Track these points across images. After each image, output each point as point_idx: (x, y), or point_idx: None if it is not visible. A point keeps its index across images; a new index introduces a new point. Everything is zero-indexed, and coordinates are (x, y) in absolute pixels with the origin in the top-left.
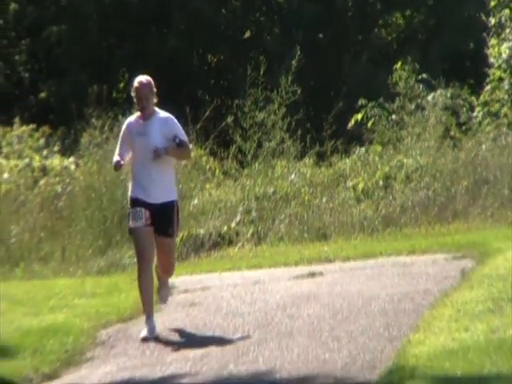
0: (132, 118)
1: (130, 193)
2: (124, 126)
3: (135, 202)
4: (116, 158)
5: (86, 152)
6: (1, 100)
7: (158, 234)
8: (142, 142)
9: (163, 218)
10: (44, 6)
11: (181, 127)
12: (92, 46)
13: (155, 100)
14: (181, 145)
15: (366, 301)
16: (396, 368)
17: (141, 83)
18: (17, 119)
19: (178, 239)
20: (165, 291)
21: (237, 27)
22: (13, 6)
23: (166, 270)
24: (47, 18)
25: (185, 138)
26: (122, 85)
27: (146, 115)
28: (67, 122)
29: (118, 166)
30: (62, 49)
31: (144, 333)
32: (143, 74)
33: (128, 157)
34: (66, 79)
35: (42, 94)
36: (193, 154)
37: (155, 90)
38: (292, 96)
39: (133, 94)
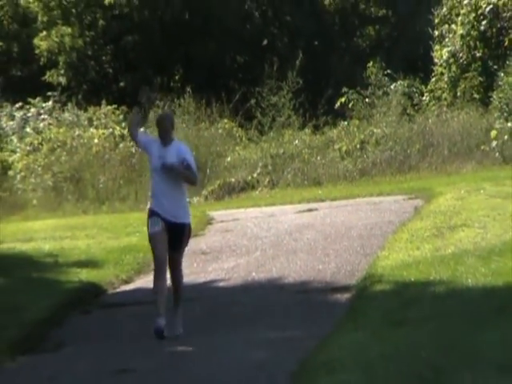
0: (154, 140)
1: (148, 205)
2: (147, 136)
3: (153, 213)
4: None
5: (152, 124)
6: (92, 88)
7: (171, 245)
8: (159, 163)
9: (176, 235)
10: (123, 22)
11: (192, 156)
12: (156, 50)
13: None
14: (188, 168)
15: (347, 228)
16: (368, 275)
17: (162, 117)
18: (103, 101)
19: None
20: (178, 320)
21: (257, 37)
22: (101, 22)
23: (177, 287)
24: (125, 30)
25: (193, 165)
26: (177, 77)
27: (166, 143)
28: (139, 103)
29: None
30: (135, 52)
31: (159, 323)
32: (193, 70)
33: (138, 135)
34: (137, 73)
35: (121, 84)
36: (198, 182)
37: (174, 123)
38: (296, 85)
39: (157, 125)
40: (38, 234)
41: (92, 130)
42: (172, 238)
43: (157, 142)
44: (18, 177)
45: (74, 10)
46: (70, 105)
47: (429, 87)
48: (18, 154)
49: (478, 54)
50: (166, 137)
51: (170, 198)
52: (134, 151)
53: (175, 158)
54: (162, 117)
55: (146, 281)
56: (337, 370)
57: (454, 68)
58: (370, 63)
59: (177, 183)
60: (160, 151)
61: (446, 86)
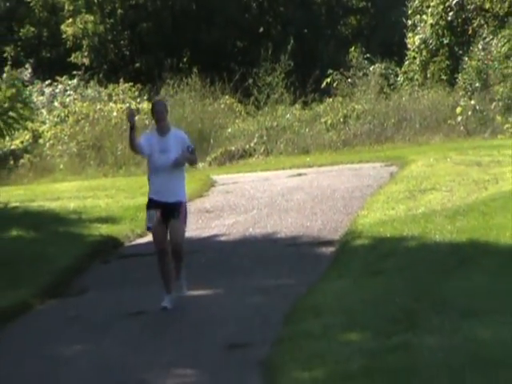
0: (151, 134)
1: (149, 194)
2: (144, 136)
3: (151, 202)
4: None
5: (164, 100)
6: (112, 68)
7: (169, 218)
8: (163, 158)
9: (173, 209)
10: (138, 11)
11: (190, 140)
12: (167, 35)
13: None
14: (192, 152)
15: (332, 191)
16: (350, 231)
17: (156, 102)
18: (121, 80)
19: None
20: (182, 283)
21: (254, 25)
22: (119, 10)
23: (178, 260)
24: (140, 18)
25: (193, 147)
26: (185, 59)
27: (164, 129)
28: (152, 81)
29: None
30: (149, 37)
31: (166, 303)
32: (199, 53)
33: (137, 140)
34: (151, 55)
35: (137, 64)
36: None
37: (168, 108)
38: (288, 67)
39: (151, 111)
40: (64, 194)
41: (111, 104)
42: (169, 213)
43: (154, 136)
44: (47, 144)
45: (95, 0)
46: (92, 82)
47: (403, 69)
48: (47, 125)
49: (445, 41)
50: (162, 122)
51: (171, 184)
52: (147, 123)
53: (175, 149)
54: (156, 102)
55: None
56: (323, 313)
57: (424, 53)
58: (352, 48)
59: (179, 170)
60: (160, 144)
61: (417, 68)
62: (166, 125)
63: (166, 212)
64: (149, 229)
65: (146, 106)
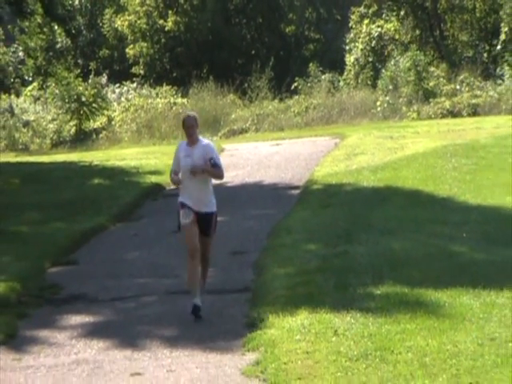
0: (183, 143)
1: (180, 198)
2: (176, 148)
3: (184, 205)
4: (173, 176)
5: (191, 97)
6: (158, 77)
7: (202, 231)
8: (187, 162)
9: (205, 223)
10: (175, 40)
11: (217, 152)
12: (193, 56)
13: (198, 130)
14: (214, 166)
15: (298, 155)
16: (309, 180)
17: (188, 116)
18: (164, 84)
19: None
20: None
21: (249, 49)
22: (163, 40)
23: (205, 266)
24: (176, 45)
25: (219, 161)
26: (205, 70)
27: (193, 141)
28: (184, 85)
29: (177, 183)
30: (182, 57)
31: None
32: (213, 67)
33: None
34: (183, 69)
35: (174, 74)
36: (224, 175)
37: (198, 122)
38: (270, 76)
39: (182, 125)
40: (128, 156)
41: (158, 99)
42: (202, 225)
43: (183, 144)
44: (117, 125)
45: (148, 33)
46: (145, 86)
47: (343, 77)
48: (117, 112)
49: (370, 59)
50: (192, 134)
51: (198, 192)
52: (180, 111)
53: (201, 158)
54: (186, 118)
55: None
56: (292, 232)
57: (357, 67)
58: (311, 64)
59: (204, 179)
60: (186, 150)
61: (352, 77)
62: (195, 138)
63: (200, 221)
64: (183, 227)
65: (179, 100)
